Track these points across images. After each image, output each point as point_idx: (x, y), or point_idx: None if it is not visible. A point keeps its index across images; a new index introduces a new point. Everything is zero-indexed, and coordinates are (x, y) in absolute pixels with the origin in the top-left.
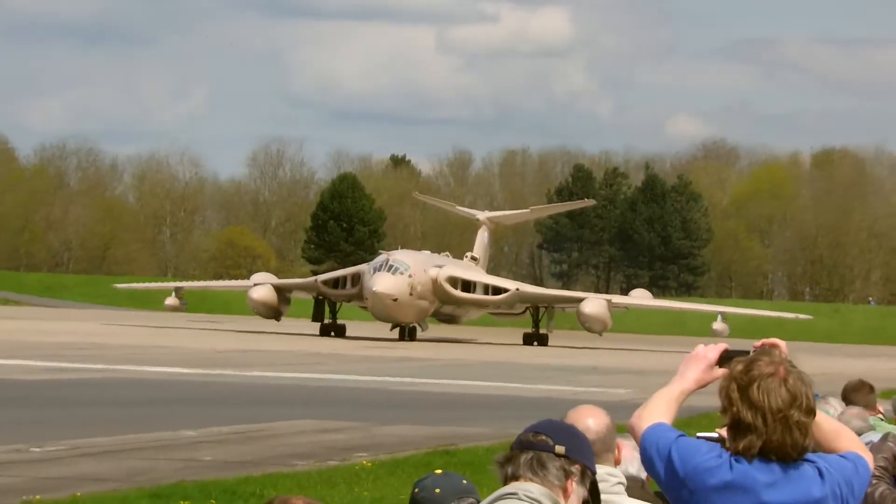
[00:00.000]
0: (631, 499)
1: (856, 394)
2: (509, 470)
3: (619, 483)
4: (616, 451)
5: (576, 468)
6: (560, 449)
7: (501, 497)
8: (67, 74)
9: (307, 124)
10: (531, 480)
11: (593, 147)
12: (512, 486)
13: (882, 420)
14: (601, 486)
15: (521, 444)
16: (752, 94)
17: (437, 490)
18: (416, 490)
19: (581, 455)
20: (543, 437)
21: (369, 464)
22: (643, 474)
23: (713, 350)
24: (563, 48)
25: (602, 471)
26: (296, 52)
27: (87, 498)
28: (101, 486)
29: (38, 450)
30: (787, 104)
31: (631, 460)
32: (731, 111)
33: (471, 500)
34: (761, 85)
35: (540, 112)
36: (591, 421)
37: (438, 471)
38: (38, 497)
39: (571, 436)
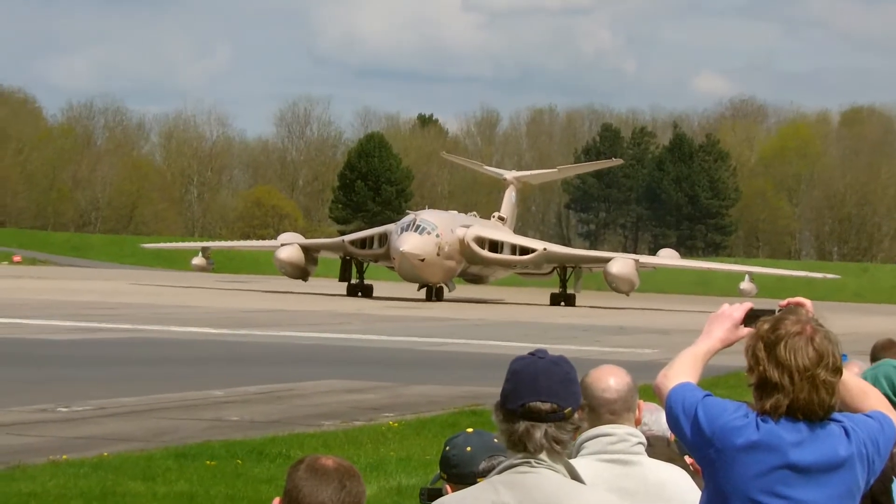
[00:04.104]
0: (652, 459)
1: (885, 353)
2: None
3: (640, 443)
4: (637, 411)
5: (577, 415)
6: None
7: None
8: (93, 33)
9: (332, 83)
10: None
11: (620, 105)
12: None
13: None
14: (622, 445)
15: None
16: (776, 51)
17: (469, 448)
18: (448, 448)
19: (578, 399)
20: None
21: (395, 424)
22: (668, 433)
23: (739, 309)
24: (588, 5)
25: (622, 430)
26: (320, 9)
27: (113, 457)
28: (127, 446)
29: (65, 409)
30: (812, 61)
31: (656, 420)
32: (755, 69)
33: (501, 458)
34: (785, 42)
35: (564, 70)
36: (612, 380)
37: (470, 429)
38: (64, 457)
39: (565, 383)
